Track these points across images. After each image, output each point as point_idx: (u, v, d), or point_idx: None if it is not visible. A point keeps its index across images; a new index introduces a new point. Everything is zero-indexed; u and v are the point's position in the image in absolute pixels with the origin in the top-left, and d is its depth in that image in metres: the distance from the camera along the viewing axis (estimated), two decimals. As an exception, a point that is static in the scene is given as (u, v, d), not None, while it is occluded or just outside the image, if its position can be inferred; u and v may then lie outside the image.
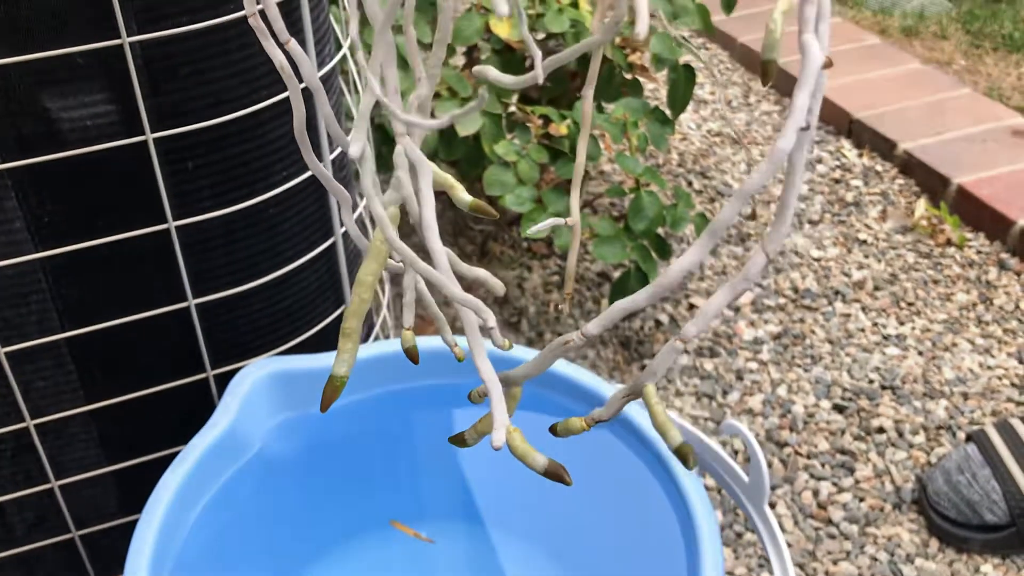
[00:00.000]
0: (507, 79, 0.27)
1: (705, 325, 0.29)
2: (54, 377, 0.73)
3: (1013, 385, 1.20)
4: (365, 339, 0.91)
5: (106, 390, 0.75)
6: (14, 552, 0.79)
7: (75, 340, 0.72)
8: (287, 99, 0.71)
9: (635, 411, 0.72)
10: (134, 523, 0.66)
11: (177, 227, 0.70)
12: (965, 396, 1.18)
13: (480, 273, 0.32)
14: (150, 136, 0.66)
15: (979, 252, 1.43)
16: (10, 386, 0.71)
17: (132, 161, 0.66)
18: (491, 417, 0.28)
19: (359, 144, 0.31)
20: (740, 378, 1.23)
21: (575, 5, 1.27)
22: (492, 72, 0.27)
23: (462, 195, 0.31)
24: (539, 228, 0.33)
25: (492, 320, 0.28)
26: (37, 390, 0.73)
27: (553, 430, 0.35)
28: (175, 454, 0.71)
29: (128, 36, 0.62)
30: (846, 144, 1.72)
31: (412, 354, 0.39)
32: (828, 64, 0.32)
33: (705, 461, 0.72)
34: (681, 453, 0.29)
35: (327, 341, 0.84)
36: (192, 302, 0.73)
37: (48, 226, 0.67)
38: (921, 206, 1.51)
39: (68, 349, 0.72)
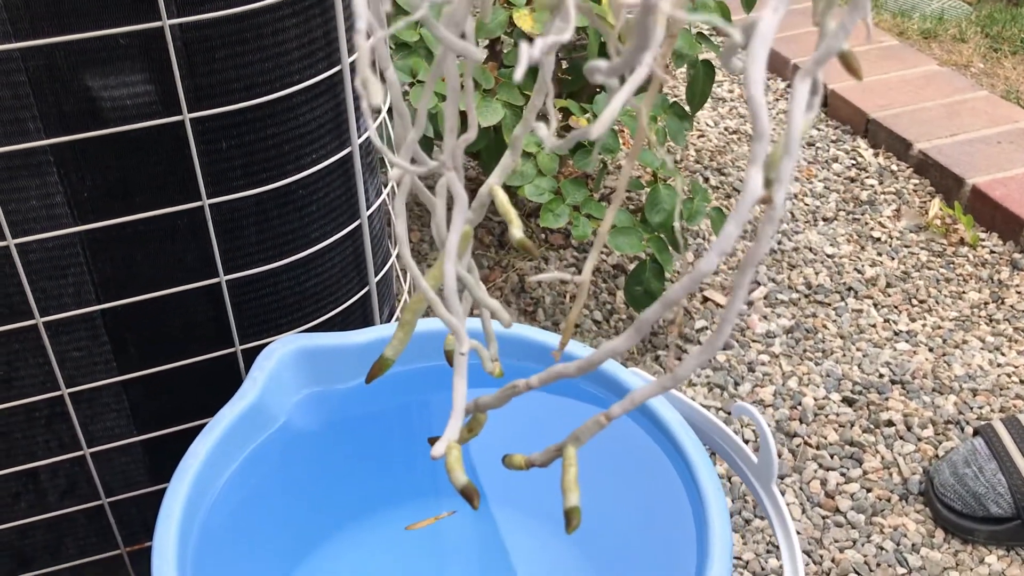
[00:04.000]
0: (552, 143, 0.29)
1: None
2: (88, 348, 0.76)
3: (1022, 382, 1.21)
4: (389, 318, 0.93)
5: (138, 362, 0.78)
6: (46, 517, 0.81)
7: (110, 312, 0.74)
8: (318, 83, 0.73)
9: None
10: (160, 492, 0.69)
11: (210, 205, 0.72)
12: (974, 392, 1.20)
13: (492, 304, 0.34)
14: (187, 116, 0.68)
15: (992, 252, 1.45)
16: (47, 355, 0.74)
17: (169, 140, 0.69)
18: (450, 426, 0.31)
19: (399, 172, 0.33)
20: (752, 370, 1.25)
21: (598, 1, 1.29)
22: (542, 131, 0.29)
23: (516, 231, 0.33)
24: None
25: (467, 347, 0.31)
26: (72, 360, 0.76)
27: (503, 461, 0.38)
28: (202, 426, 0.74)
29: (168, 19, 0.64)
30: (862, 144, 1.74)
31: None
32: (856, 73, 0.33)
33: (715, 442, 0.74)
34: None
35: (351, 319, 0.86)
36: (223, 278, 0.76)
37: (87, 201, 0.69)
38: (935, 206, 1.53)
39: (103, 321, 0.75)
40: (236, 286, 0.77)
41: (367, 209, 0.83)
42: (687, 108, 1.32)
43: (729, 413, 1.18)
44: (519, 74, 0.24)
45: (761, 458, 0.68)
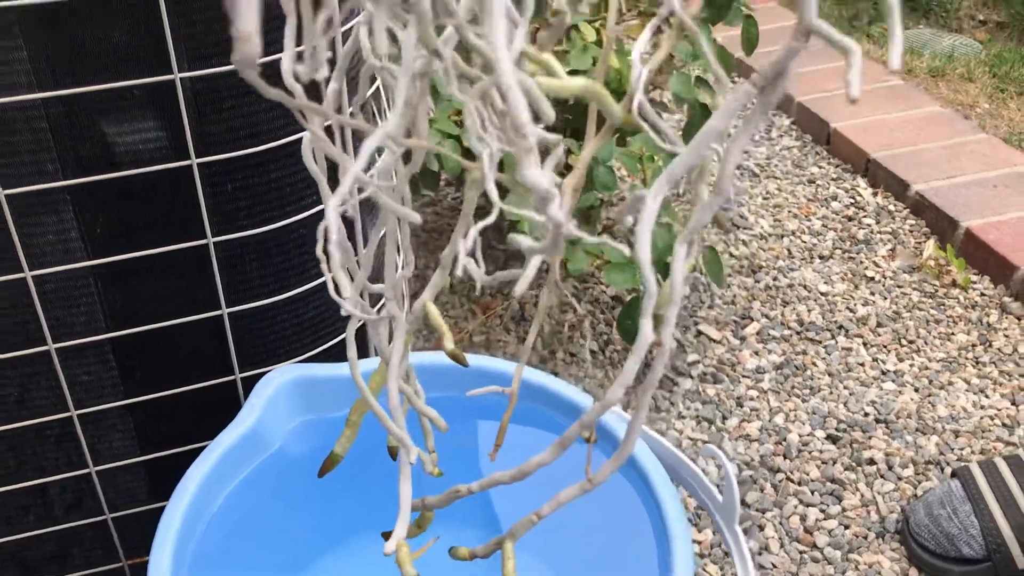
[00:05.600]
0: (536, 247, 0.33)
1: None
2: (97, 372, 0.81)
3: (1004, 425, 1.24)
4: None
5: (143, 386, 0.83)
6: (53, 530, 0.86)
7: (118, 340, 0.79)
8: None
9: (618, 426, 0.78)
10: (161, 509, 0.73)
11: (215, 242, 0.77)
12: (956, 434, 1.23)
13: (430, 413, 0.39)
14: (195, 161, 0.73)
15: (982, 295, 1.48)
16: (58, 379, 0.79)
17: (178, 182, 0.74)
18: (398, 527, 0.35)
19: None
20: (740, 405, 1.28)
21: (599, 43, 1.34)
22: (472, 268, 0.33)
23: (448, 343, 0.38)
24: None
25: (414, 456, 0.35)
26: (81, 383, 0.80)
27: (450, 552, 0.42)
28: (202, 448, 0.79)
29: (179, 72, 0.69)
30: (861, 183, 1.77)
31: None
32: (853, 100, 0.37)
33: (685, 480, 0.78)
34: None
35: (346, 351, 0.90)
36: (225, 311, 0.81)
37: (100, 236, 0.74)
38: (930, 247, 1.56)
39: (111, 348, 0.79)
40: (237, 318, 0.82)
41: (363, 247, 0.88)
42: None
43: (717, 446, 1.22)
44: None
45: (725, 498, 0.72)
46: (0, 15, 0.64)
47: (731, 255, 1.59)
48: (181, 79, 0.70)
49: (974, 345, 1.39)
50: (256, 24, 0.23)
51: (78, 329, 0.78)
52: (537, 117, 0.33)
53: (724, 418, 1.26)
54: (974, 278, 1.51)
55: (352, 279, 0.41)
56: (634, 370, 0.29)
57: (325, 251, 0.34)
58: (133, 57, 0.68)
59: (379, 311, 0.48)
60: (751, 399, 1.29)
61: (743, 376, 1.33)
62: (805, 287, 1.51)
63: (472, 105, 0.37)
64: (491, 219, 0.39)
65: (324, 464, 0.40)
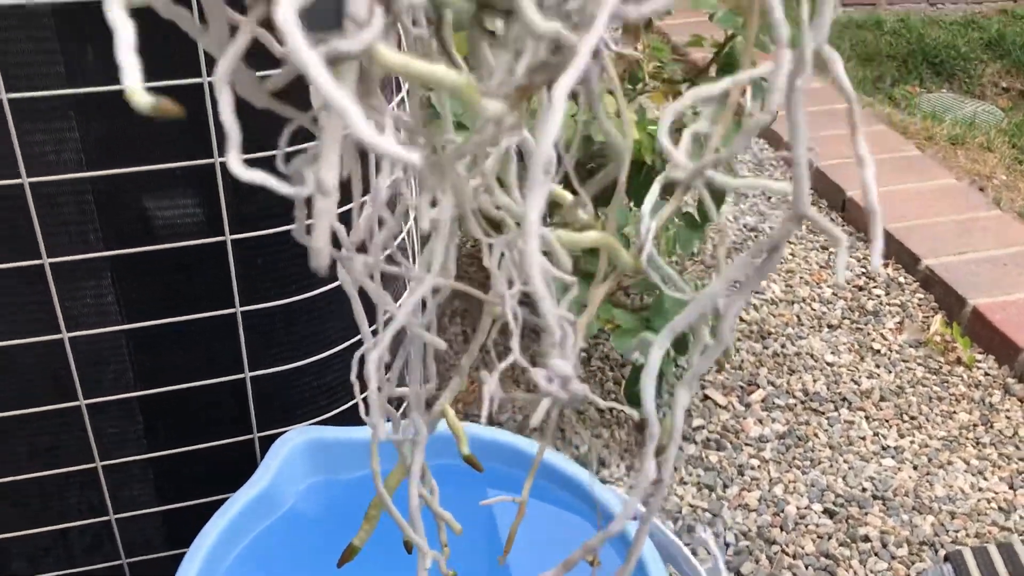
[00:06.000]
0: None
1: None
2: (123, 426, 0.85)
3: (1000, 509, 1.26)
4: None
5: (166, 441, 0.87)
6: (71, 571, 0.90)
7: (145, 397, 0.83)
8: (345, 212, 0.82)
9: (618, 505, 0.81)
10: (176, 556, 0.77)
11: (243, 311, 0.81)
12: (952, 515, 1.25)
13: (445, 515, 0.43)
14: (229, 237, 0.77)
15: (986, 374, 1.50)
16: (86, 432, 0.83)
17: (211, 255, 0.78)
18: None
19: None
20: (741, 473, 1.31)
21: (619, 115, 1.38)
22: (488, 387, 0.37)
23: (464, 448, 0.42)
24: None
25: (430, 562, 0.39)
26: (108, 436, 0.85)
27: None
28: (218, 500, 0.83)
29: (219, 157, 0.74)
30: (874, 252, 1.80)
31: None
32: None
33: (674, 559, 0.81)
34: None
35: (359, 416, 0.94)
36: (248, 374, 0.85)
37: (134, 302, 0.79)
38: (937, 322, 1.59)
39: (138, 404, 0.84)
40: (259, 381, 0.86)
41: (383, 315, 0.92)
42: (698, 218, 1.39)
43: (715, 515, 1.25)
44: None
45: (712, 584, 0.75)
46: (57, 100, 0.68)
47: (742, 319, 1.62)
48: (221, 163, 0.74)
49: (975, 425, 1.41)
50: (328, 239, 0.27)
51: (108, 386, 0.82)
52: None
53: (725, 486, 1.29)
54: (979, 357, 1.53)
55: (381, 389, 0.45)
56: (634, 506, 0.33)
57: (360, 375, 0.38)
58: (177, 141, 0.73)
59: (400, 412, 0.52)
60: (752, 468, 1.32)
61: (746, 444, 1.36)
62: (812, 356, 1.54)
63: (496, 252, 0.41)
64: (509, 360, 0.43)
65: (343, 555, 0.44)
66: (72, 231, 0.74)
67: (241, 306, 0.81)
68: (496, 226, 0.43)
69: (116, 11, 0.24)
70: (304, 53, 0.22)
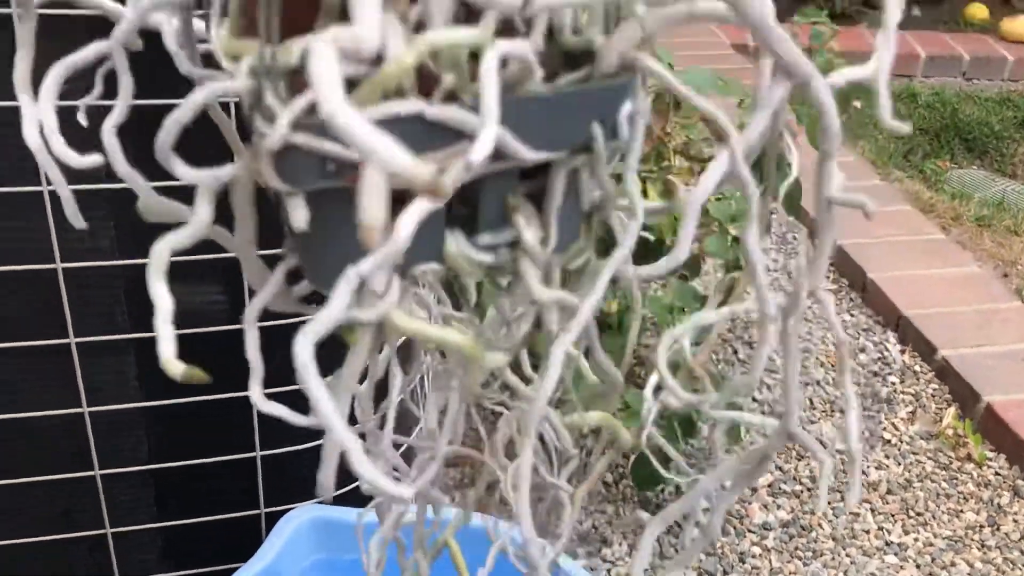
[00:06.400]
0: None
1: None
2: (136, 496, 0.87)
3: (1000, 617, 1.26)
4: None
5: (176, 512, 0.89)
6: (75, 632, 0.92)
7: (159, 470, 0.86)
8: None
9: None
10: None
11: (258, 394, 0.84)
12: (952, 619, 1.25)
13: None
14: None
15: (997, 474, 1.50)
16: (99, 501, 0.85)
17: (233, 340, 0.81)
18: None
19: None
20: (743, 561, 1.31)
21: (645, 193, 1.40)
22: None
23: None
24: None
25: None
26: (120, 504, 0.87)
27: None
28: (223, 570, 0.85)
29: (246, 251, 0.76)
30: (891, 337, 1.80)
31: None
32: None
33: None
34: None
35: (364, 496, 0.96)
36: (259, 453, 0.87)
37: (153, 382, 0.81)
38: (950, 415, 1.58)
39: (152, 477, 0.86)
40: (269, 459, 0.88)
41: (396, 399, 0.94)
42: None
43: (713, 603, 1.25)
44: None
45: None
46: (94, 195, 0.71)
47: (754, 399, 1.63)
48: (246, 256, 0.77)
49: (982, 526, 1.40)
50: (334, 471, 0.29)
51: (124, 457, 0.84)
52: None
53: (726, 572, 1.29)
54: (990, 455, 1.53)
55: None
56: None
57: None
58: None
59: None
60: (754, 556, 1.32)
61: (749, 530, 1.36)
62: (822, 442, 1.54)
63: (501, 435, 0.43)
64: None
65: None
66: (100, 312, 0.77)
67: (257, 389, 0.83)
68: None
69: (157, 285, 0.26)
70: (320, 402, 0.25)
